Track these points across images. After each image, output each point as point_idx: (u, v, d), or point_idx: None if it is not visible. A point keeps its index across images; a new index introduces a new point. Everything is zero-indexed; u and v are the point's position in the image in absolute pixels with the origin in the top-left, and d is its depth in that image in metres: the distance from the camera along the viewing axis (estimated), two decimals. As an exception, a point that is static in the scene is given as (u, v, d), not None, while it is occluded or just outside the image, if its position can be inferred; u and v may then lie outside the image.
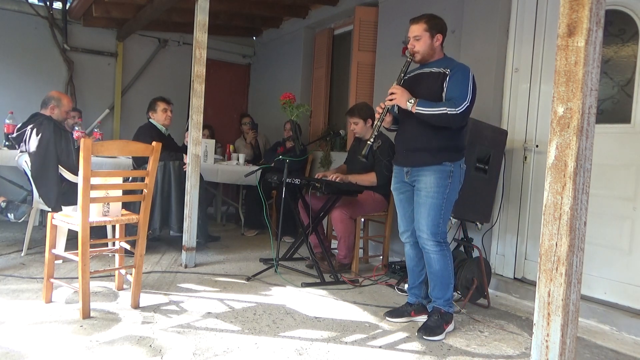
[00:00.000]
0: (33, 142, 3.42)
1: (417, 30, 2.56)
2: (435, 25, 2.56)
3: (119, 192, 2.63)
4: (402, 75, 2.62)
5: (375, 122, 2.64)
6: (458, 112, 2.39)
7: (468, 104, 2.42)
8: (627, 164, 2.89)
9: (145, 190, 2.60)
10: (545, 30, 3.33)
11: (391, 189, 2.81)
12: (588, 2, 1.35)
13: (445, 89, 2.49)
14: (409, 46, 2.61)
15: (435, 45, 2.57)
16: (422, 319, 2.72)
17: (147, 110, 4.25)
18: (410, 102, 2.48)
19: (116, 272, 2.91)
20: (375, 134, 2.63)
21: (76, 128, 4.21)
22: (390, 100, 2.55)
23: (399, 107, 2.62)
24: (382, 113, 2.61)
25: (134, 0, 4.86)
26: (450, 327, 2.57)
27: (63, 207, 3.30)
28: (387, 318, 2.74)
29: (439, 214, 2.51)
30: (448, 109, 2.40)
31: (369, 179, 3.70)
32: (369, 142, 2.62)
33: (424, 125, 2.52)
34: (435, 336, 2.48)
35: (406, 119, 2.63)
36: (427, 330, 2.50)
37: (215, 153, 5.04)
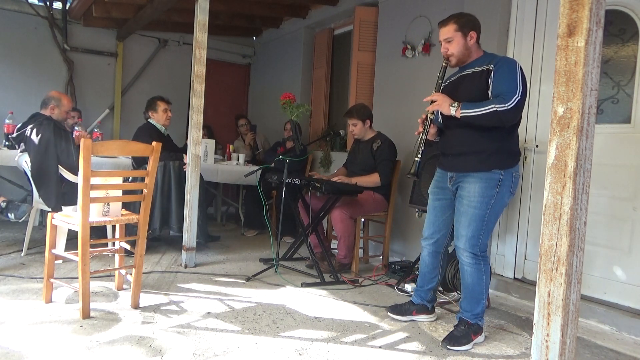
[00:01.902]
0: (33, 142, 3.42)
1: (447, 32, 2.41)
2: (467, 23, 2.39)
3: (119, 192, 2.63)
4: (440, 81, 2.47)
5: (420, 135, 2.45)
6: (509, 107, 2.19)
7: (519, 97, 2.21)
8: (627, 164, 2.89)
9: (145, 190, 2.60)
10: (545, 30, 3.33)
11: (428, 191, 2.66)
12: (588, 2, 1.35)
13: (490, 86, 2.30)
14: (441, 50, 2.46)
15: (470, 44, 2.41)
16: (422, 318, 2.73)
17: (146, 109, 4.23)
18: (454, 107, 2.30)
19: (116, 272, 2.91)
20: (423, 148, 2.43)
21: (76, 128, 4.21)
22: (432, 106, 2.39)
23: (442, 115, 2.47)
24: (425, 124, 2.44)
25: (134, 0, 4.86)
26: (480, 338, 2.44)
27: (63, 207, 3.30)
28: (388, 313, 2.74)
29: (480, 225, 2.34)
30: (497, 106, 2.20)
31: (373, 179, 3.70)
32: (415, 159, 2.43)
33: (471, 127, 2.34)
34: (460, 346, 2.36)
35: (451, 123, 2.44)
36: (452, 339, 2.38)
37: (216, 153, 5.04)
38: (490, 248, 3.57)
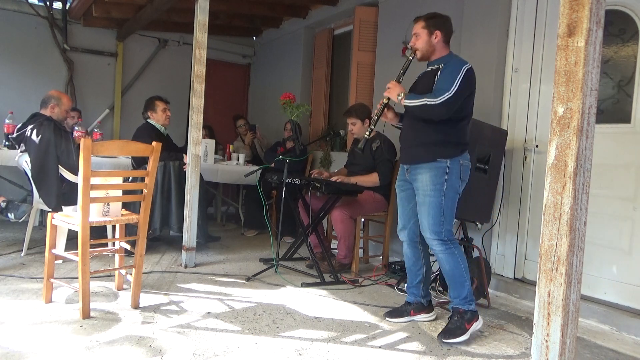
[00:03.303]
0: (33, 143, 3.42)
1: (416, 28, 2.61)
2: (435, 23, 2.56)
3: (119, 192, 2.63)
4: (401, 72, 2.67)
5: (373, 117, 2.68)
6: (436, 102, 2.38)
7: (450, 95, 2.37)
8: (627, 164, 2.89)
9: (145, 190, 2.60)
10: (545, 30, 3.33)
11: (395, 185, 2.81)
12: (588, 2, 1.35)
13: (435, 83, 2.50)
14: (410, 44, 2.64)
15: (433, 42, 2.56)
16: (421, 318, 2.73)
17: (145, 109, 4.23)
18: (400, 96, 2.53)
19: (116, 272, 2.91)
20: (372, 127, 2.68)
21: (76, 128, 4.20)
22: (386, 92, 2.61)
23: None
24: (380, 108, 2.66)
25: (134, 0, 4.86)
26: (476, 324, 2.49)
27: (63, 207, 3.30)
28: (386, 318, 2.74)
29: (439, 212, 2.48)
30: (428, 100, 2.41)
31: (372, 179, 3.70)
32: (365, 136, 2.71)
33: (418, 121, 2.55)
34: (455, 338, 2.41)
35: (406, 116, 2.68)
36: (446, 333, 2.45)
37: (216, 153, 5.04)
38: (490, 248, 3.57)
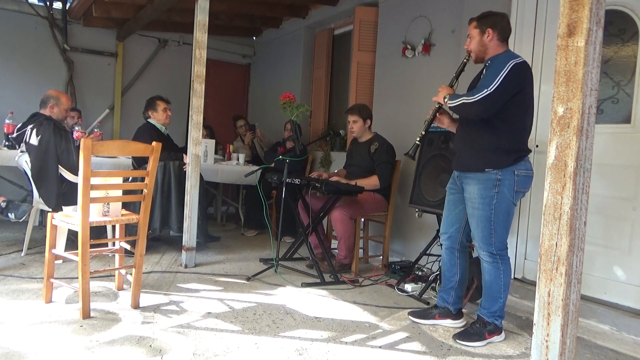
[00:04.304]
0: (33, 143, 3.42)
1: (469, 30, 2.53)
2: (487, 22, 2.45)
3: (119, 192, 2.63)
4: (455, 75, 2.62)
5: (425, 121, 2.61)
6: (473, 100, 2.28)
7: (489, 92, 2.24)
8: (627, 164, 2.89)
9: (145, 190, 2.60)
10: (545, 30, 3.33)
11: (446, 187, 2.72)
12: (588, 2, 1.35)
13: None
14: (464, 46, 2.59)
15: (486, 41, 2.45)
16: (447, 323, 2.67)
17: (146, 109, 4.23)
18: (445, 98, 2.46)
19: (116, 272, 2.91)
20: (423, 133, 2.58)
21: (76, 128, 4.20)
22: (435, 98, 2.56)
23: None
24: (431, 113, 2.60)
25: (134, 0, 4.86)
26: (497, 337, 2.46)
27: (63, 207, 3.30)
28: (409, 317, 2.72)
29: (488, 225, 2.38)
30: (465, 98, 2.33)
31: (372, 182, 3.69)
32: (416, 142, 2.59)
33: (467, 124, 2.48)
34: (469, 342, 2.41)
35: (458, 120, 2.61)
36: (462, 335, 2.46)
37: (216, 153, 5.04)
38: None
